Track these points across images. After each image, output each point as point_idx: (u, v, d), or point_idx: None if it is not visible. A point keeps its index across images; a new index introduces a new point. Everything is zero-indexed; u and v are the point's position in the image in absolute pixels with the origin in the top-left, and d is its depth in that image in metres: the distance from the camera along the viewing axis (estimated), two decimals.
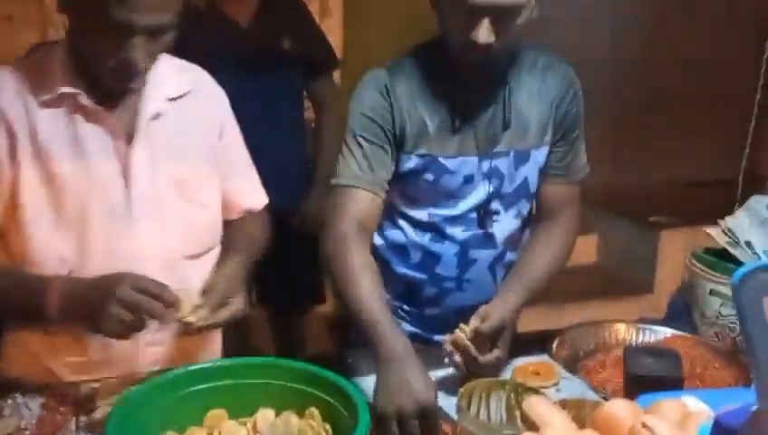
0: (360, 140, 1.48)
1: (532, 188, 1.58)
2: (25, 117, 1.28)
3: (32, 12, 3.19)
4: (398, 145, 1.49)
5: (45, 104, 1.29)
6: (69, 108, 1.30)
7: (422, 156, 1.49)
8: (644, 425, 0.76)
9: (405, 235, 1.58)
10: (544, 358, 1.52)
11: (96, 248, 1.32)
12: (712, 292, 1.65)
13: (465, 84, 1.48)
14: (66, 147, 1.30)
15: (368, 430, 1.04)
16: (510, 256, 1.61)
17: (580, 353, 1.58)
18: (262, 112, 2.40)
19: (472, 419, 1.15)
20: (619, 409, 0.80)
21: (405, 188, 1.54)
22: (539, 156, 1.55)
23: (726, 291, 1.63)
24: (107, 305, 1.18)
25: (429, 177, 1.51)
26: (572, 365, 1.52)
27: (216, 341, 1.55)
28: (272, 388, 1.19)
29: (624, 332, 1.65)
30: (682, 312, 1.75)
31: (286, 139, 2.59)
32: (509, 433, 1.14)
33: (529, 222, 1.64)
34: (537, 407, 0.93)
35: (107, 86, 1.29)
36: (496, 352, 1.37)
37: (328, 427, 1.13)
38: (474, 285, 1.59)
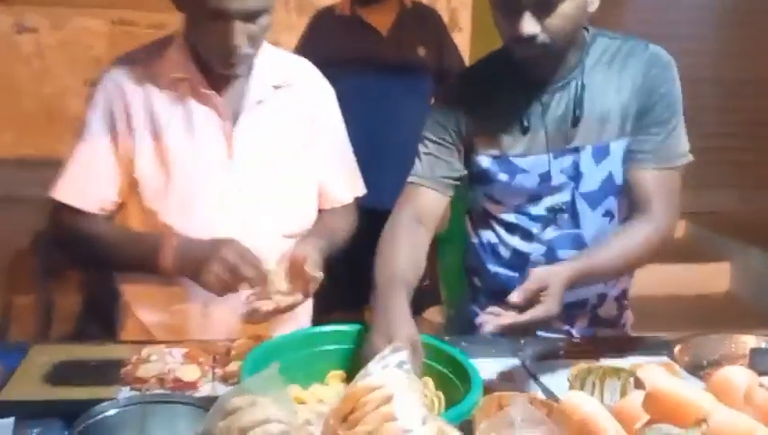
0: (426, 140, 1.55)
1: (619, 181, 1.50)
2: (143, 97, 1.43)
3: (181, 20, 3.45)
4: (469, 146, 1.53)
5: (162, 87, 1.43)
6: (182, 91, 1.44)
7: (494, 156, 1.52)
8: (761, 385, 0.75)
9: (497, 235, 1.60)
10: (665, 360, 1.49)
11: (200, 218, 1.44)
12: None
13: (533, 83, 1.48)
14: (178, 125, 1.43)
15: (479, 398, 1.07)
16: None
17: (704, 362, 1.53)
18: (393, 114, 2.51)
19: None
20: (735, 373, 0.79)
21: (487, 191, 1.58)
22: (621, 148, 1.49)
23: None
24: (211, 263, 1.33)
25: (504, 177, 1.52)
26: (694, 372, 1.48)
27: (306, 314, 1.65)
28: None
29: (752, 344, 1.58)
30: None
31: (414, 140, 2.67)
32: None
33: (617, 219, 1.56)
34: (657, 377, 0.92)
35: (215, 71, 1.41)
36: (540, 308, 1.24)
37: (441, 394, 1.17)
38: None
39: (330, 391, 1.21)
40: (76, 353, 1.36)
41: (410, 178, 1.55)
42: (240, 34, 1.33)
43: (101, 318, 2.08)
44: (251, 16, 1.33)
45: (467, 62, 3.00)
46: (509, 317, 1.20)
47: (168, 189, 1.44)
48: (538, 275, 1.26)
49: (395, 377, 0.70)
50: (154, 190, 1.45)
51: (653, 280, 1.86)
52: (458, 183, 1.56)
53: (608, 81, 1.48)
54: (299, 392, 1.20)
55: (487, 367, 1.33)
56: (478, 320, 1.22)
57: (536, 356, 1.44)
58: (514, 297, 1.22)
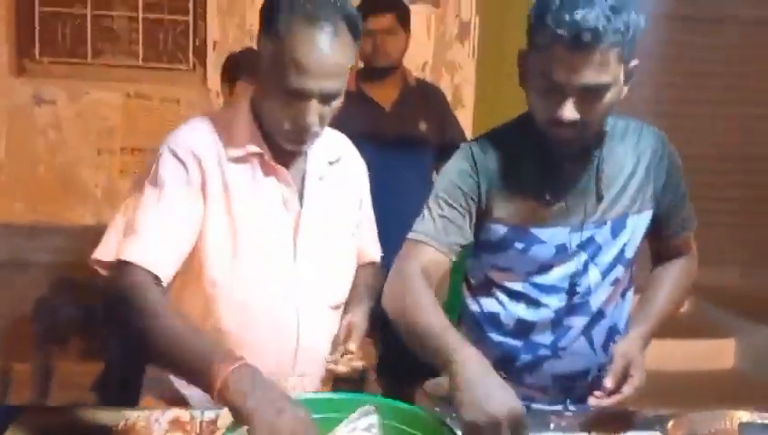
0: (441, 201, 1.51)
1: (629, 254, 1.55)
2: (217, 164, 1.41)
3: (194, 95, 3.58)
4: (484, 214, 1.52)
5: (233, 159, 1.42)
6: (252, 163, 1.43)
7: (511, 225, 1.51)
8: None
9: (500, 303, 1.58)
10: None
11: (263, 293, 1.43)
12: None
13: (554, 157, 1.49)
14: (248, 196, 1.42)
15: None
16: (606, 320, 1.58)
17: None
18: (395, 186, 2.56)
19: None
20: None
21: (497, 258, 1.56)
22: (638, 221, 1.54)
23: None
24: (265, 416, 1.09)
25: (519, 245, 1.51)
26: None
27: None
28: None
29: (745, 419, 1.56)
30: None
31: (414, 212, 2.72)
32: None
33: (623, 286, 1.61)
34: None
35: (283, 146, 1.42)
36: (633, 382, 1.37)
37: None
38: (570, 352, 1.56)
39: None
40: (65, 420, 1.36)
41: (418, 236, 1.50)
42: (315, 114, 1.35)
43: (119, 387, 2.07)
44: (327, 98, 1.35)
45: (469, 137, 3.08)
46: (612, 399, 1.32)
47: (233, 262, 1.40)
48: (621, 353, 1.36)
49: None
50: (219, 262, 1.40)
51: (657, 355, 1.86)
52: (462, 250, 1.55)
53: (625, 155, 1.52)
54: None
55: None
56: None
57: (527, 430, 1.42)
58: (609, 383, 1.33)
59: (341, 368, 1.44)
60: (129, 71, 3.68)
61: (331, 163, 1.53)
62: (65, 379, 3.02)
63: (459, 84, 3.74)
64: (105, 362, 2.84)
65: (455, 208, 1.50)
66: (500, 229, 1.52)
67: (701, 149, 3.78)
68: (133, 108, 3.59)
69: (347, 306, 1.56)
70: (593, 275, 1.53)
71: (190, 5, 3.67)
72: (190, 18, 3.69)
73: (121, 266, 1.31)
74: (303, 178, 1.48)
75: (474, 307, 1.65)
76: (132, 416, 1.34)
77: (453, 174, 1.53)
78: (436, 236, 1.49)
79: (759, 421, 1.53)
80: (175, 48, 3.72)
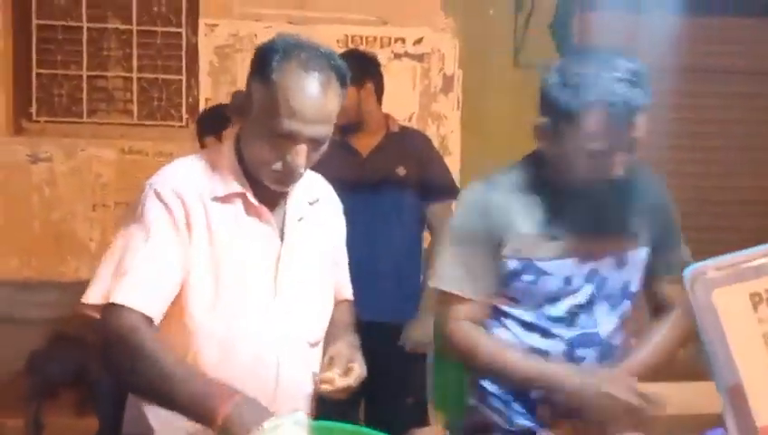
0: (462, 249, 1.61)
1: (633, 288, 1.65)
2: (200, 203, 1.43)
3: (187, 150, 3.64)
4: (496, 250, 1.60)
5: (217, 198, 1.44)
6: (235, 203, 1.46)
7: (519, 259, 1.59)
8: None
9: (513, 334, 1.65)
10: None
11: (245, 331, 1.45)
12: None
13: (561, 194, 1.58)
14: (230, 235, 1.45)
15: None
16: (616, 350, 1.66)
17: None
18: (377, 232, 2.59)
19: None
20: None
21: (507, 290, 1.63)
22: (638, 258, 1.63)
23: None
24: None
25: (527, 278, 1.59)
26: None
27: None
28: None
29: None
30: None
31: (401, 259, 2.74)
32: None
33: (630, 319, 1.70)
34: None
35: (268, 186, 1.45)
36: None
37: None
38: None
39: None
40: None
41: (447, 286, 1.64)
42: (303, 157, 1.38)
43: None
44: (316, 142, 1.40)
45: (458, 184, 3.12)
46: None
47: (214, 299, 1.42)
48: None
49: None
50: (201, 299, 1.42)
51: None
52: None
53: (626, 193, 1.60)
54: None
55: None
56: None
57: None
58: None
59: (327, 386, 1.44)
60: (124, 128, 3.78)
61: (310, 204, 1.57)
62: (58, 434, 3.02)
63: (446, 135, 3.83)
64: (99, 417, 2.85)
65: (475, 252, 1.60)
66: (509, 264, 1.59)
67: (700, 192, 3.85)
68: (127, 163, 3.67)
69: (327, 342, 1.58)
70: (600, 306, 1.62)
71: (183, 65, 3.79)
72: (183, 77, 3.80)
73: (113, 309, 1.33)
74: (284, 219, 1.51)
75: None
76: None
77: (464, 218, 1.64)
78: (468, 284, 1.61)
79: None
80: (168, 106, 3.83)
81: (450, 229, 1.66)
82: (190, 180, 1.44)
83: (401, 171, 2.72)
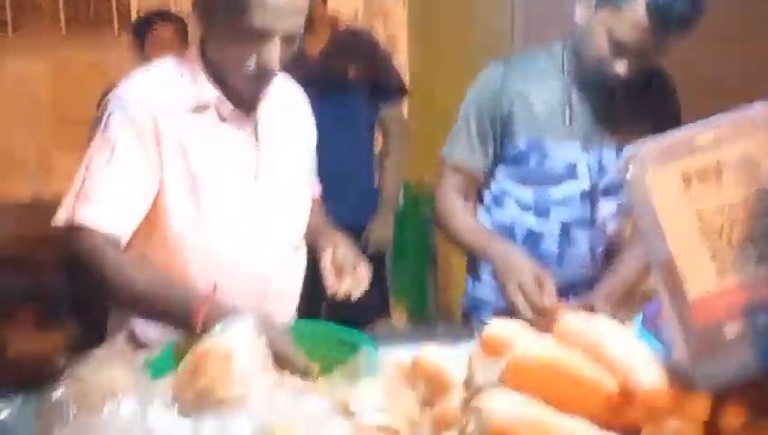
0: (470, 125, 1.69)
1: None
2: (172, 115, 1.37)
3: (124, 60, 3.51)
4: (506, 129, 1.67)
5: (189, 108, 1.39)
6: (208, 111, 1.40)
7: (529, 140, 1.65)
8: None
9: (510, 215, 1.72)
10: None
11: (228, 237, 1.42)
12: None
13: (578, 81, 1.64)
14: (206, 145, 1.40)
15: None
16: (609, 235, 1.72)
17: None
18: (332, 136, 2.55)
19: None
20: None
21: (512, 170, 1.70)
22: None
23: None
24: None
25: (534, 161, 1.65)
26: None
27: None
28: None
29: None
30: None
31: (356, 163, 2.73)
32: None
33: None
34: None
35: (241, 90, 1.39)
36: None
37: None
38: (574, 262, 1.70)
39: None
40: None
41: (453, 160, 1.71)
42: (278, 54, 1.32)
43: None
44: (289, 39, 1.33)
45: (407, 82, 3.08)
46: None
47: (196, 212, 1.39)
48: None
49: (237, 337, 0.74)
50: (182, 214, 1.39)
51: None
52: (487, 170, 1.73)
53: (642, 91, 1.63)
54: None
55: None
56: None
57: (451, 339, 1.49)
58: None
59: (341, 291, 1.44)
60: (53, 41, 3.60)
61: (283, 106, 1.52)
62: (20, 351, 3.02)
63: (392, 33, 3.74)
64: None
65: (483, 132, 1.68)
66: (518, 144, 1.66)
67: None
68: (60, 78, 3.52)
69: (315, 241, 1.56)
70: (601, 193, 1.67)
71: None
72: None
73: (77, 231, 1.31)
74: (257, 124, 1.46)
75: (483, 219, 1.79)
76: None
77: (480, 98, 1.69)
78: (468, 158, 1.70)
79: None
80: (98, 15, 3.65)
81: (464, 103, 1.71)
82: (157, 92, 1.38)
83: (351, 72, 2.67)
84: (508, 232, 1.71)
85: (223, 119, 1.41)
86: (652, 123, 1.65)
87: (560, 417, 0.65)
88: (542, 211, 1.69)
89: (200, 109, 1.39)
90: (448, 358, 0.86)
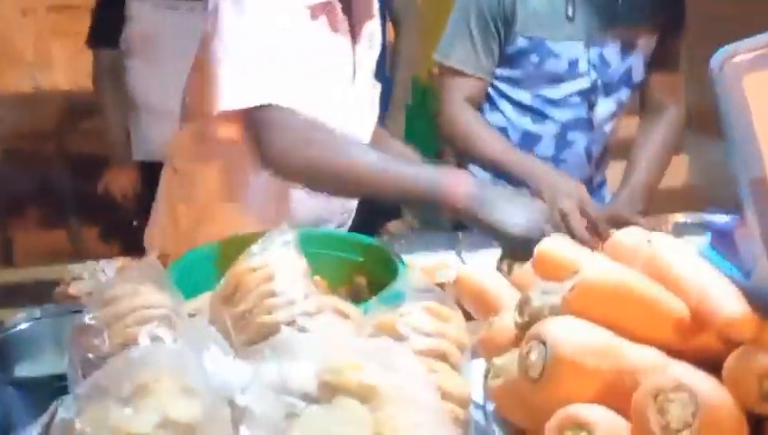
0: (470, 25, 1.57)
1: (636, 78, 1.63)
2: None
3: None
4: (508, 27, 1.57)
5: (308, 7, 1.28)
6: (321, 17, 1.30)
7: (530, 38, 1.56)
8: (648, 241, 0.75)
9: (505, 117, 1.64)
10: None
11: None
12: None
13: None
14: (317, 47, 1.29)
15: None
16: (605, 137, 1.68)
17: None
18: None
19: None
20: (625, 234, 0.80)
21: (510, 70, 1.61)
22: (646, 47, 1.61)
23: None
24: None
25: (535, 59, 1.57)
26: None
27: None
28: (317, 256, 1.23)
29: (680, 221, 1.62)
30: None
31: None
32: None
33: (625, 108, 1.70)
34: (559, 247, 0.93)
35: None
36: None
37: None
38: (569, 165, 1.64)
39: None
40: (8, 278, 1.35)
41: (451, 62, 1.60)
42: None
43: None
44: None
45: None
46: None
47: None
48: (609, 217, 1.37)
49: (278, 257, 0.69)
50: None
51: (613, 175, 1.95)
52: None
53: None
54: None
55: (423, 261, 1.34)
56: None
57: (471, 247, 1.46)
58: None
59: None
60: None
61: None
62: (26, 248, 3.01)
63: None
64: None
65: (485, 32, 1.57)
66: (518, 43, 1.57)
67: None
68: None
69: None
70: (600, 92, 1.60)
71: None
72: None
73: (264, 111, 1.16)
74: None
75: None
76: (76, 269, 1.33)
77: None
78: (472, 62, 1.58)
79: (690, 221, 1.58)
80: None
81: (460, 3, 1.61)
82: None
83: None
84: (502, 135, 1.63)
85: (333, 24, 1.32)
86: (656, 17, 1.59)
87: (629, 345, 0.61)
88: (539, 112, 1.62)
89: (317, 10, 1.28)
90: (493, 277, 0.82)
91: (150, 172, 2.41)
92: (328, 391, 0.47)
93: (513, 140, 1.64)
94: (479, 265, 0.86)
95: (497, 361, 0.68)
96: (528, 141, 1.64)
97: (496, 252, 1.42)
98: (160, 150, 2.38)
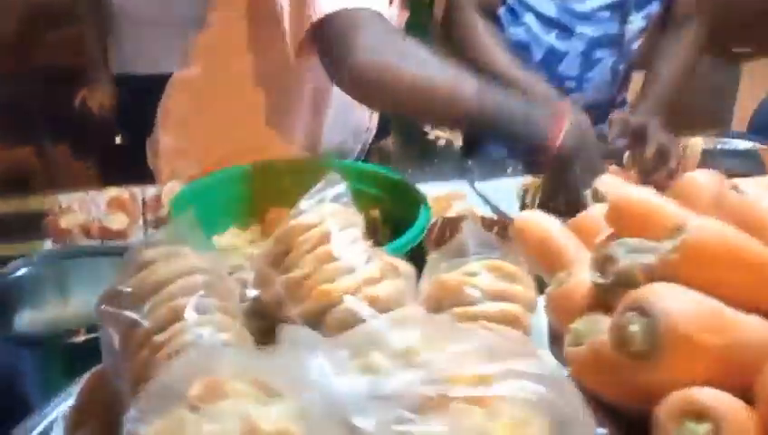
0: None
1: None
2: None
3: None
4: None
5: None
6: None
7: None
8: (734, 187, 0.68)
9: (529, 31, 1.56)
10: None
11: None
12: None
13: None
14: None
15: (426, 224, 1.01)
16: (632, 55, 1.61)
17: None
18: None
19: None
20: (701, 177, 0.73)
21: None
22: None
23: None
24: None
25: None
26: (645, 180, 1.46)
27: None
28: None
29: (697, 145, 1.55)
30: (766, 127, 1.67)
31: None
32: None
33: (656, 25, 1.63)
34: (614, 185, 0.86)
35: None
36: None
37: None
38: (595, 86, 1.59)
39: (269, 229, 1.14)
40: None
41: None
42: None
43: None
44: None
45: None
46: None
47: None
48: (635, 127, 1.33)
49: (332, 212, 0.60)
50: None
51: None
52: None
53: None
54: (237, 235, 1.12)
55: (435, 191, 1.27)
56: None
57: (484, 176, 1.39)
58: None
59: None
60: None
61: None
62: None
63: None
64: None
65: None
66: None
67: None
68: None
69: None
70: (632, 5, 1.53)
71: None
72: None
73: (355, 14, 1.05)
74: None
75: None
76: (66, 199, 1.23)
77: None
78: None
79: (718, 147, 1.52)
80: None
81: None
82: None
83: None
84: (524, 51, 1.55)
85: None
86: None
87: (743, 317, 0.54)
88: (565, 27, 1.53)
89: None
90: (556, 225, 0.74)
91: (130, 87, 2.27)
92: (442, 402, 0.40)
93: (536, 57, 1.57)
94: (536, 214, 0.78)
95: (578, 325, 0.62)
96: (552, 59, 1.56)
97: (509, 182, 1.37)
98: (141, 63, 2.24)
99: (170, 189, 1.26)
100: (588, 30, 1.54)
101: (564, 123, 1.02)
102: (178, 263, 0.57)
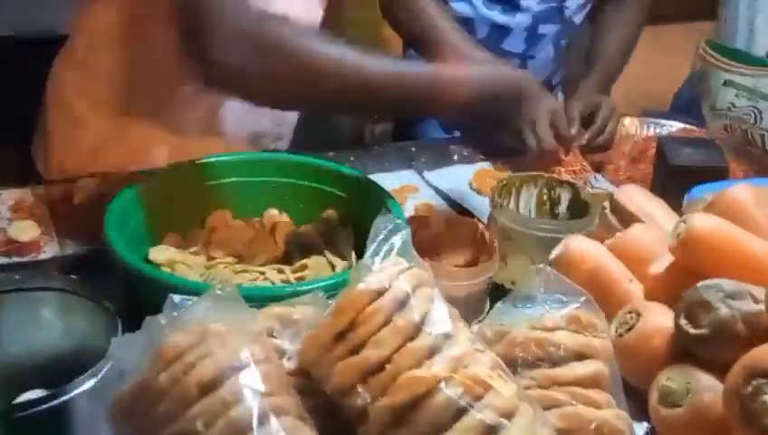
0: None
1: None
2: None
3: None
4: None
5: None
6: None
7: None
8: None
9: (473, 7, 1.51)
10: None
11: None
12: (726, 82, 1.54)
13: None
14: None
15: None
16: (575, 30, 1.58)
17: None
18: None
19: (510, 213, 1.03)
20: (740, 191, 0.69)
21: None
22: None
23: (743, 81, 1.53)
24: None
25: None
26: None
27: None
28: (282, 187, 1.03)
29: (630, 126, 1.55)
30: (688, 104, 1.67)
31: None
32: (547, 227, 1.03)
33: None
34: (634, 197, 0.81)
35: None
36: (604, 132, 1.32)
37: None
38: (537, 63, 1.54)
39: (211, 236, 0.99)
40: None
41: None
42: None
43: None
44: None
45: None
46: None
47: None
48: (577, 105, 1.32)
49: (401, 269, 0.49)
50: None
51: None
52: None
53: None
54: (176, 243, 0.97)
55: (387, 184, 1.16)
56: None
57: (431, 165, 1.30)
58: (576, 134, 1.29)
59: None
60: None
61: None
62: None
63: None
64: None
65: None
66: None
67: None
68: None
69: None
70: None
71: None
72: None
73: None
74: None
75: None
76: None
77: None
78: None
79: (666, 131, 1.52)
80: None
81: None
82: None
83: None
84: (469, 28, 1.46)
85: None
86: None
87: None
88: (510, 2, 1.49)
89: None
90: (606, 253, 0.66)
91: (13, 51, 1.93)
92: None
93: (481, 35, 1.49)
94: (581, 240, 0.70)
95: (670, 383, 0.55)
96: (496, 35, 1.50)
97: (459, 169, 1.29)
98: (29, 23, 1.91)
99: (85, 186, 1.08)
100: (532, 4, 1.50)
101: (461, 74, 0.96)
102: (223, 355, 0.44)
